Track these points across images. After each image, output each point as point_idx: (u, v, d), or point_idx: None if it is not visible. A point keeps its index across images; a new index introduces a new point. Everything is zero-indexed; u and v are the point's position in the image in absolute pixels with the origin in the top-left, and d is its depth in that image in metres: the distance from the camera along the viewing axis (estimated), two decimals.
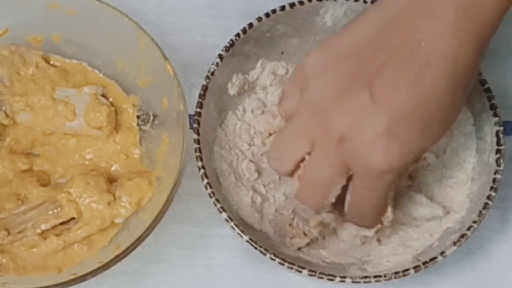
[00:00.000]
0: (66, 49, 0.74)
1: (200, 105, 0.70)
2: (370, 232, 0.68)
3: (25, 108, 0.71)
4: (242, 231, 0.66)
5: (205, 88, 0.70)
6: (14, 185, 0.70)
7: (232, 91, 0.73)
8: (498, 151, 0.69)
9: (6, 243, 0.68)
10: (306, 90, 0.62)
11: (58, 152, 0.73)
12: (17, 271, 0.68)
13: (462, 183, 0.71)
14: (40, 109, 0.71)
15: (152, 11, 0.79)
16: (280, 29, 0.73)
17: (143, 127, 0.73)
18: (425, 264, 0.65)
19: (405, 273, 0.65)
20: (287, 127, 0.65)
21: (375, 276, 0.65)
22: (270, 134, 0.73)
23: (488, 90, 0.70)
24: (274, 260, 0.65)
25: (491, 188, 0.68)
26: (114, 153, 0.73)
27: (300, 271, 0.65)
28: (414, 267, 0.65)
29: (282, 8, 0.72)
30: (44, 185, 0.70)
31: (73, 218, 0.69)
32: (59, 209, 0.68)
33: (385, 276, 0.65)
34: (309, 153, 0.63)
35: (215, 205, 0.67)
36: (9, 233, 0.68)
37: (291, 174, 0.65)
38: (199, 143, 0.68)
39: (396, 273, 0.65)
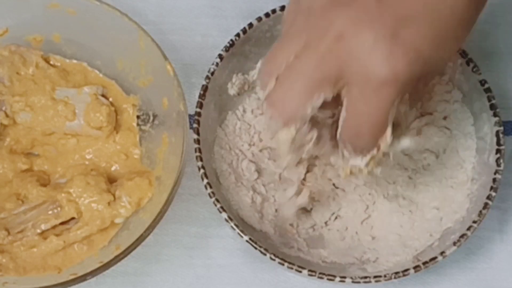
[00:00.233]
0: (66, 49, 0.74)
1: (200, 105, 0.70)
2: (362, 161, 0.60)
3: (25, 108, 0.71)
4: (242, 231, 0.66)
5: (205, 88, 0.70)
6: (14, 185, 0.70)
7: (232, 91, 0.73)
8: (498, 151, 0.69)
9: (6, 243, 0.68)
10: None
11: (58, 152, 0.73)
12: (17, 271, 0.68)
13: (462, 183, 0.71)
14: (40, 109, 0.71)
15: (152, 11, 0.79)
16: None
17: (143, 127, 0.73)
18: (425, 264, 0.65)
19: (405, 273, 0.65)
20: (280, 38, 0.57)
21: (375, 276, 0.65)
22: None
23: (488, 90, 0.70)
24: (274, 260, 0.65)
25: (491, 188, 0.68)
26: (114, 153, 0.73)
27: (300, 271, 0.65)
28: (414, 267, 0.65)
29: (282, 8, 0.72)
30: (44, 185, 0.70)
31: (73, 218, 0.69)
32: (59, 209, 0.69)
33: (385, 276, 0.65)
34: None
35: (215, 205, 0.67)
36: (9, 233, 0.68)
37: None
38: (199, 143, 0.68)
39: (396, 273, 0.65)
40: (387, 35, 0.52)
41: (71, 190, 0.69)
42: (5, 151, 0.72)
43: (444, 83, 0.74)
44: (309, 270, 0.65)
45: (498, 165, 0.68)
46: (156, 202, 0.67)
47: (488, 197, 0.67)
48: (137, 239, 0.64)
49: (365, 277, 0.65)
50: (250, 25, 0.72)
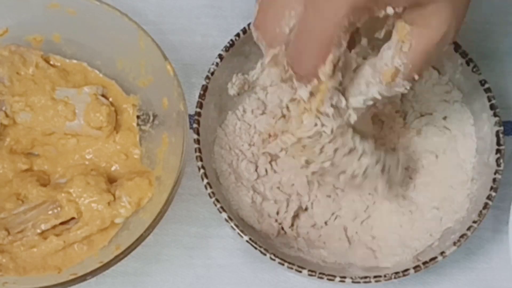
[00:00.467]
0: (66, 49, 0.74)
1: (200, 105, 0.70)
2: (304, 92, 0.59)
3: (25, 108, 0.71)
4: (242, 231, 0.66)
5: (205, 88, 0.70)
6: (14, 185, 0.70)
7: (232, 91, 0.73)
8: (498, 151, 0.69)
9: (6, 243, 0.68)
10: None
11: (58, 152, 0.73)
12: (17, 271, 0.68)
13: (462, 183, 0.71)
14: (40, 109, 0.71)
15: (152, 11, 0.79)
16: None
17: (143, 127, 0.73)
18: (425, 264, 0.65)
19: (405, 273, 0.65)
20: None
21: (375, 276, 0.65)
22: (270, 136, 0.73)
23: (488, 90, 0.70)
24: (274, 260, 0.65)
25: (491, 188, 0.68)
26: (114, 153, 0.73)
27: (300, 271, 0.65)
28: (414, 267, 0.65)
29: None
30: (44, 185, 0.70)
31: (73, 218, 0.69)
32: (59, 209, 0.69)
33: (385, 276, 0.65)
34: None
35: (215, 205, 0.67)
36: (9, 233, 0.68)
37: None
38: (199, 143, 0.68)
39: (396, 273, 0.65)
40: None
41: (71, 190, 0.69)
42: (5, 151, 0.72)
43: (444, 83, 0.74)
44: (309, 270, 0.65)
45: (498, 165, 0.68)
46: (156, 202, 0.67)
47: (488, 197, 0.67)
48: (137, 239, 0.64)
49: (365, 277, 0.65)
50: (250, 25, 0.72)
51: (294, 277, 0.71)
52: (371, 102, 0.61)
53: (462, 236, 0.66)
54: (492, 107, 0.70)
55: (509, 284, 0.71)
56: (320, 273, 0.65)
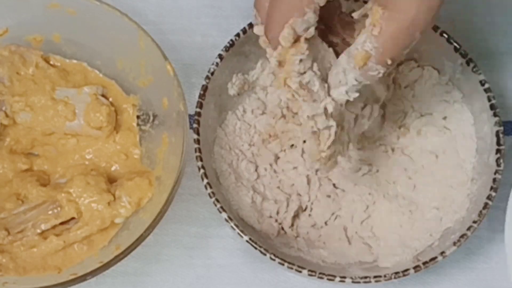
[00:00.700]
0: (66, 49, 0.74)
1: (200, 105, 0.70)
2: (273, 57, 0.60)
3: (25, 108, 0.71)
4: (242, 231, 0.66)
5: (205, 88, 0.70)
6: (14, 185, 0.70)
7: (232, 91, 0.73)
8: (498, 151, 0.69)
9: (6, 243, 0.68)
10: None
11: (58, 152, 0.73)
12: (17, 271, 0.68)
13: (462, 183, 0.71)
14: (40, 109, 0.71)
15: (152, 11, 0.79)
16: None
17: (143, 127, 0.73)
18: (425, 264, 0.65)
19: (405, 273, 0.65)
20: None
21: (375, 276, 0.65)
22: (270, 136, 0.73)
23: (488, 90, 0.70)
24: (274, 260, 0.65)
25: (491, 188, 0.68)
26: (114, 153, 0.73)
27: (300, 271, 0.65)
28: (414, 267, 0.65)
29: None
30: (44, 185, 0.70)
31: (73, 218, 0.69)
32: (59, 209, 0.69)
33: (385, 276, 0.65)
34: None
35: (215, 205, 0.67)
36: (9, 233, 0.68)
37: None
38: (199, 143, 0.68)
39: (396, 273, 0.65)
40: None
41: (71, 190, 0.69)
42: (5, 151, 0.72)
43: (444, 83, 0.74)
44: (309, 270, 0.65)
45: (498, 165, 0.68)
46: (156, 202, 0.67)
47: (488, 197, 0.67)
48: (137, 239, 0.64)
49: (365, 277, 0.65)
50: (250, 25, 0.72)
51: (294, 277, 0.71)
52: (356, 94, 0.61)
53: (462, 236, 0.66)
54: (492, 107, 0.70)
55: (509, 284, 0.71)
56: (320, 273, 0.65)
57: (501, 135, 0.69)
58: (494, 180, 0.68)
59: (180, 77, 0.69)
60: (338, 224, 0.71)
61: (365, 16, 0.59)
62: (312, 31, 0.59)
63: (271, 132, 0.73)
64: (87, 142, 0.73)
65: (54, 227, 0.69)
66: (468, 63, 0.71)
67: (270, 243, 0.69)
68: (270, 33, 0.60)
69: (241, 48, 0.72)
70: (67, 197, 0.68)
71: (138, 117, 0.73)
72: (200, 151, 0.68)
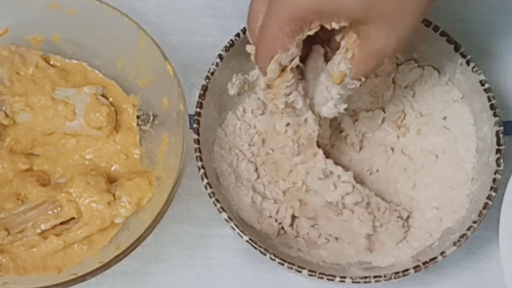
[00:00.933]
0: (66, 49, 0.74)
1: (200, 105, 0.70)
2: (262, 83, 0.66)
3: (25, 108, 0.71)
4: (242, 231, 0.66)
5: (205, 88, 0.70)
6: (14, 185, 0.70)
7: (232, 91, 0.73)
8: (498, 151, 0.69)
9: (6, 243, 0.68)
10: None
11: (58, 152, 0.73)
12: (17, 271, 0.68)
13: (462, 183, 0.71)
14: (40, 109, 0.71)
15: (152, 11, 0.79)
16: None
17: (143, 127, 0.73)
18: (425, 264, 0.65)
19: (405, 273, 0.65)
20: None
21: (375, 276, 0.65)
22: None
23: (488, 90, 0.70)
24: (274, 260, 0.65)
25: (491, 188, 0.68)
26: (114, 153, 0.73)
27: (300, 271, 0.65)
28: (414, 267, 0.65)
29: None
30: (44, 185, 0.70)
31: (73, 218, 0.69)
32: (59, 209, 0.69)
33: (385, 276, 0.65)
34: None
35: (215, 205, 0.67)
36: (9, 233, 0.68)
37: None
38: (199, 143, 0.68)
39: (396, 273, 0.65)
40: None
41: (71, 190, 0.69)
42: (5, 151, 0.72)
43: (444, 83, 0.74)
44: (309, 270, 0.65)
45: (498, 165, 0.68)
46: (156, 202, 0.67)
47: (488, 197, 0.67)
48: (137, 239, 0.64)
49: (365, 277, 0.65)
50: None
51: (294, 277, 0.71)
52: (344, 105, 0.66)
53: (462, 236, 0.66)
54: (492, 107, 0.70)
55: (509, 284, 0.71)
56: (320, 273, 0.65)
57: (501, 135, 0.69)
58: (494, 180, 0.68)
59: (180, 77, 0.69)
60: (338, 223, 0.71)
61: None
62: (296, 61, 0.64)
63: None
64: (87, 142, 0.73)
65: (54, 227, 0.69)
66: (468, 63, 0.71)
67: (270, 243, 0.69)
68: (259, 63, 0.65)
69: (241, 48, 0.72)
70: (67, 197, 0.68)
71: (138, 117, 0.73)
72: (200, 151, 0.68)
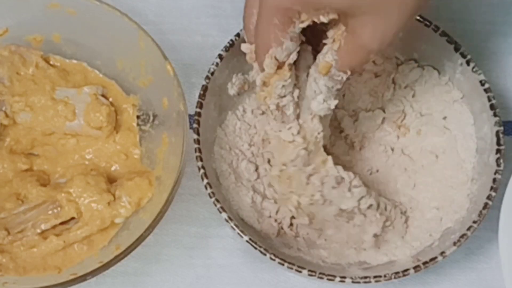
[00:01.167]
0: (66, 49, 0.74)
1: (200, 105, 0.70)
2: (258, 78, 0.66)
3: (25, 108, 0.71)
4: (242, 231, 0.66)
5: (205, 88, 0.70)
6: (14, 185, 0.70)
7: (232, 91, 0.73)
8: (498, 151, 0.69)
9: (6, 243, 0.68)
10: None
11: (58, 152, 0.73)
12: (17, 271, 0.68)
13: (462, 183, 0.71)
14: (40, 109, 0.71)
15: (152, 11, 0.79)
16: None
17: (143, 127, 0.73)
18: (425, 264, 0.65)
19: (405, 273, 0.65)
20: None
21: (375, 276, 0.65)
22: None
23: (488, 90, 0.70)
24: (274, 260, 0.65)
25: (491, 188, 0.68)
26: (114, 153, 0.73)
27: (300, 271, 0.65)
28: (414, 267, 0.65)
29: None
30: (44, 185, 0.70)
31: (73, 218, 0.69)
32: (59, 209, 0.69)
33: (385, 276, 0.65)
34: None
35: (215, 205, 0.67)
36: (9, 233, 0.68)
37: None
38: (199, 143, 0.68)
39: (396, 273, 0.65)
40: None
41: (71, 190, 0.69)
42: (5, 151, 0.72)
43: (444, 83, 0.74)
44: (309, 270, 0.65)
45: (498, 165, 0.68)
46: (156, 202, 0.67)
47: (488, 197, 0.67)
48: (137, 239, 0.64)
49: (365, 277, 0.65)
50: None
51: (294, 277, 0.71)
52: (335, 102, 0.65)
53: (462, 236, 0.66)
54: (492, 107, 0.70)
55: (509, 285, 0.71)
56: (320, 273, 0.65)
57: (501, 135, 0.69)
58: (494, 180, 0.68)
59: (180, 77, 0.69)
60: (338, 223, 0.71)
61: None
62: (294, 56, 0.63)
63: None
64: (87, 142, 0.73)
65: (54, 227, 0.69)
66: (468, 63, 0.71)
67: (270, 243, 0.69)
68: (258, 59, 0.64)
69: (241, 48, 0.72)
70: (67, 197, 0.68)
71: (138, 117, 0.73)
72: (200, 151, 0.68)
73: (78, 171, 0.71)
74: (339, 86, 0.64)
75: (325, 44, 0.63)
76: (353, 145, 0.74)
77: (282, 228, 0.71)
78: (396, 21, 0.60)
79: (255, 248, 0.65)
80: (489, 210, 0.67)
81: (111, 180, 0.71)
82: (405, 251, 0.69)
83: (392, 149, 0.73)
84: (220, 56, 0.71)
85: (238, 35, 0.71)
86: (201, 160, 0.68)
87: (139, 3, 0.79)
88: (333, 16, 0.60)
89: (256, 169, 0.72)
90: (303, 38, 0.64)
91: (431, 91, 0.74)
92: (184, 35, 0.79)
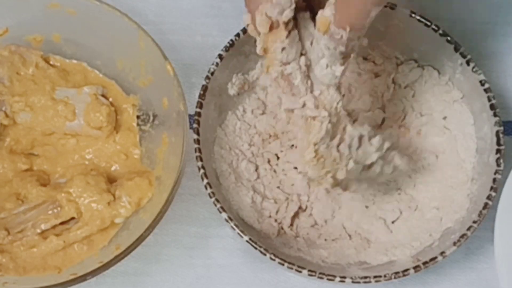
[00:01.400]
0: (66, 49, 0.74)
1: (200, 105, 0.70)
2: (258, 45, 0.62)
3: (25, 108, 0.71)
4: (242, 231, 0.66)
5: (205, 88, 0.70)
6: (14, 185, 0.70)
7: (232, 91, 0.73)
8: (498, 151, 0.69)
9: (6, 243, 0.68)
10: None
11: (58, 152, 0.73)
12: (17, 271, 0.68)
13: (462, 183, 0.71)
14: (40, 109, 0.71)
15: (152, 11, 0.79)
16: None
17: (143, 127, 0.73)
18: (425, 264, 0.65)
19: (405, 273, 0.65)
20: None
21: (375, 276, 0.65)
22: (270, 136, 0.73)
23: (488, 90, 0.70)
24: (274, 260, 0.65)
25: (491, 188, 0.68)
26: (114, 153, 0.73)
27: (300, 271, 0.65)
28: (414, 267, 0.65)
29: None
30: (44, 185, 0.70)
31: (73, 218, 0.69)
32: (59, 209, 0.69)
33: (385, 276, 0.65)
34: None
35: (215, 205, 0.67)
36: (9, 233, 0.68)
37: None
38: (199, 143, 0.68)
39: (396, 273, 0.65)
40: None
41: (71, 190, 0.69)
42: (5, 151, 0.72)
43: (444, 83, 0.74)
44: (309, 270, 0.65)
45: (498, 165, 0.68)
46: (156, 202, 0.67)
47: (488, 197, 0.67)
48: (137, 239, 0.64)
49: (365, 277, 0.65)
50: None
51: (294, 277, 0.71)
52: (340, 68, 0.61)
53: (462, 236, 0.66)
54: (492, 107, 0.70)
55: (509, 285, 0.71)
56: (320, 273, 0.65)
57: (501, 135, 0.69)
58: (494, 180, 0.68)
59: (180, 77, 0.69)
60: (338, 223, 0.71)
61: None
62: (288, 13, 0.60)
63: (271, 132, 0.73)
64: (87, 142, 0.73)
65: (54, 227, 0.69)
66: (468, 63, 0.71)
67: (270, 243, 0.69)
68: (252, 22, 0.61)
69: (241, 48, 0.72)
70: (67, 197, 0.68)
71: (138, 117, 0.73)
72: (200, 151, 0.68)
73: (78, 171, 0.71)
74: (342, 48, 0.60)
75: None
76: None
77: (282, 228, 0.71)
78: None
79: (255, 248, 0.65)
80: (489, 210, 0.67)
81: (111, 180, 0.71)
82: (405, 251, 0.69)
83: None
84: (220, 56, 0.71)
85: (238, 35, 0.71)
86: (201, 160, 0.68)
87: (139, 3, 0.79)
88: None
89: (256, 169, 0.72)
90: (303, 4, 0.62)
91: (431, 91, 0.74)
92: (184, 35, 0.79)
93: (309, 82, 0.62)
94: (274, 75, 0.62)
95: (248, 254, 0.71)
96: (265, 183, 0.72)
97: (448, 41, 0.71)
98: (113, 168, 0.72)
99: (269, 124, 0.73)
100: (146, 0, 0.79)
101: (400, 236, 0.71)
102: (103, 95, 0.73)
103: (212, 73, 0.71)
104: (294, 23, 0.61)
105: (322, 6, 0.61)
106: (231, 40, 0.71)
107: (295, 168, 0.72)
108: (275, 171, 0.73)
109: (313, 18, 0.62)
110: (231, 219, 0.66)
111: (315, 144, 0.63)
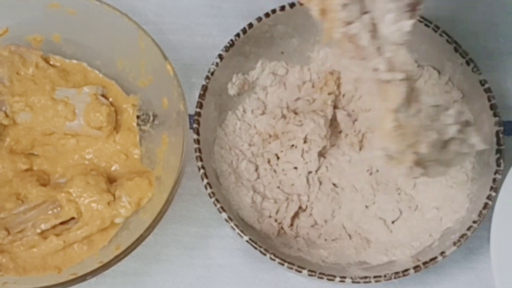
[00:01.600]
0: (66, 49, 0.74)
1: (200, 105, 0.70)
2: (314, 10, 0.56)
3: (25, 108, 0.71)
4: (242, 231, 0.66)
5: (205, 88, 0.70)
6: (14, 185, 0.70)
7: (232, 91, 0.73)
8: (498, 151, 0.69)
9: (6, 243, 0.68)
10: None
11: (58, 152, 0.73)
12: (17, 271, 0.68)
13: (462, 183, 0.71)
14: (40, 109, 0.71)
15: (152, 11, 0.79)
16: (280, 29, 0.73)
17: (143, 127, 0.73)
18: (425, 264, 0.65)
19: (405, 273, 0.65)
20: None
21: (375, 276, 0.65)
22: (270, 136, 0.73)
23: (488, 90, 0.70)
24: (274, 260, 0.65)
25: (491, 188, 0.68)
26: (114, 153, 0.73)
27: (300, 271, 0.65)
28: (414, 267, 0.65)
29: (282, 8, 0.72)
30: (44, 185, 0.70)
31: (73, 218, 0.69)
32: (59, 209, 0.69)
33: (385, 276, 0.65)
34: None
35: (215, 205, 0.67)
36: (9, 233, 0.68)
37: None
38: (199, 143, 0.68)
39: (396, 273, 0.65)
40: None
41: (71, 190, 0.69)
42: (5, 151, 0.72)
43: (444, 83, 0.74)
44: (309, 270, 0.65)
45: (498, 165, 0.68)
46: (156, 202, 0.67)
47: (488, 197, 0.67)
48: (137, 239, 0.64)
49: (365, 277, 0.65)
50: (250, 25, 0.72)
51: (294, 277, 0.71)
52: (410, 21, 0.55)
53: (462, 236, 0.66)
54: (492, 107, 0.70)
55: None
56: (320, 273, 0.65)
57: (501, 135, 0.69)
58: (494, 180, 0.68)
59: (180, 77, 0.69)
60: (338, 223, 0.71)
61: None
62: None
63: (271, 132, 0.73)
64: (87, 142, 0.72)
65: (54, 227, 0.69)
66: (468, 63, 0.71)
67: (270, 243, 0.69)
68: None
69: (241, 48, 0.72)
70: (67, 197, 0.68)
71: (138, 117, 0.73)
72: (200, 151, 0.68)
73: (78, 171, 0.71)
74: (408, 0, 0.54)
75: None
76: (352, 145, 0.74)
77: (282, 228, 0.71)
78: None
79: (255, 248, 0.65)
80: (489, 210, 0.67)
81: (111, 180, 0.71)
82: (405, 251, 0.69)
83: None
84: (220, 56, 0.71)
85: (238, 35, 0.71)
86: (201, 160, 0.68)
87: (139, 3, 0.79)
88: None
89: (256, 169, 0.72)
90: None
91: (431, 91, 0.74)
92: (184, 35, 0.79)
93: (377, 42, 0.56)
94: (338, 37, 0.55)
95: (248, 254, 0.71)
96: (265, 183, 0.72)
97: (448, 41, 0.71)
98: (113, 168, 0.72)
99: (269, 124, 0.73)
100: (146, 0, 0.79)
101: (400, 236, 0.71)
102: (103, 95, 0.73)
103: (212, 73, 0.71)
104: None
105: None
106: (231, 40, 0.71)
107: (295, 168, 0.72)
108: (275, 171, 0.73)
109: None
110: (231, 219, 0.66)
111: (395, 112, 0.57)
